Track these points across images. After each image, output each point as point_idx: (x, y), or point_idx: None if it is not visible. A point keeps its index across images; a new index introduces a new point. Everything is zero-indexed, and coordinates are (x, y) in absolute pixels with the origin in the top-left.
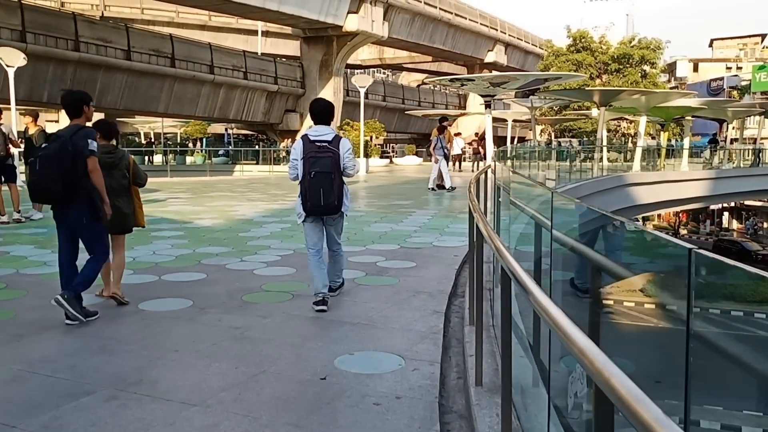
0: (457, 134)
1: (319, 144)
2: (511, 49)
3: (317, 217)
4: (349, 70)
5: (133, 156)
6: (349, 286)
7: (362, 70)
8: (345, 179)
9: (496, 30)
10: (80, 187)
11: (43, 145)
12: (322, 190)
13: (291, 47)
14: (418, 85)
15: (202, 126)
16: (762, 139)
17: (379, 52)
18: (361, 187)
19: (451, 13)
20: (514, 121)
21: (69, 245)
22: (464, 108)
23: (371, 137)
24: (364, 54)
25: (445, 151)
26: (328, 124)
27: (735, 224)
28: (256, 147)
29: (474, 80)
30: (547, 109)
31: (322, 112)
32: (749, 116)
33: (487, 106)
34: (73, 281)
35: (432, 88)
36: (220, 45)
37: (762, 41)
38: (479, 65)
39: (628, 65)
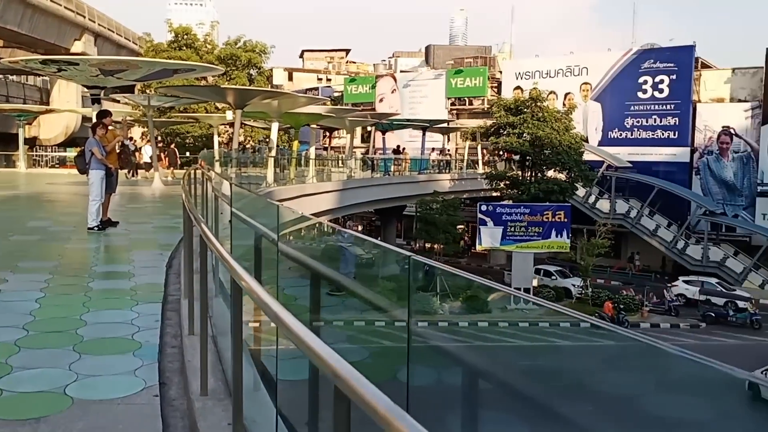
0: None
1: None
2: (101, 40)
3: None
4: None
5: None
6: None
7: None
8: None
9: (84, 17)
10: None
11: None
12: None
13: None
14: None
15: None
16: (355, 147)
17: None
18: None
19: None
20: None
21: None
22: (47, 104)
23: None
24: None
25: (108, 165)
26: None
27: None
28: None
29: (78, 64)
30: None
31: None
32: (360, 126)
33: (95, 101)
34: None
35: (5, 78)
36: None
37: (347, 55)
38: (64, 55)
39: (234, 68)
